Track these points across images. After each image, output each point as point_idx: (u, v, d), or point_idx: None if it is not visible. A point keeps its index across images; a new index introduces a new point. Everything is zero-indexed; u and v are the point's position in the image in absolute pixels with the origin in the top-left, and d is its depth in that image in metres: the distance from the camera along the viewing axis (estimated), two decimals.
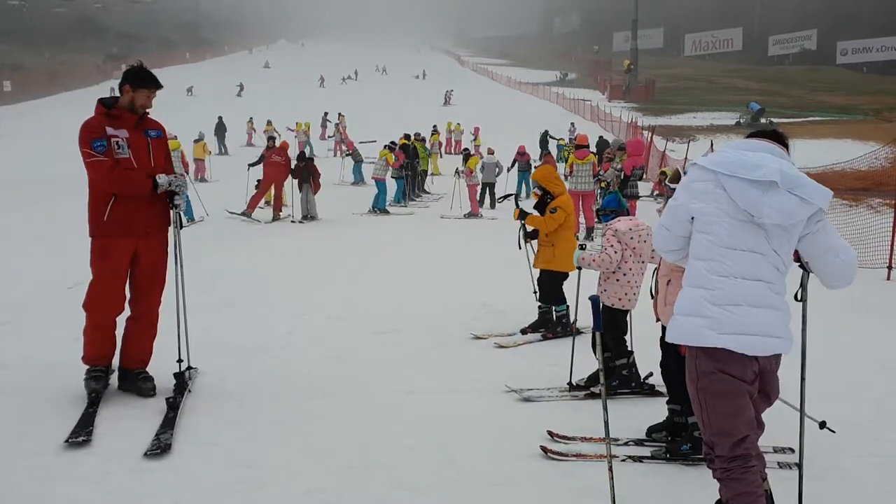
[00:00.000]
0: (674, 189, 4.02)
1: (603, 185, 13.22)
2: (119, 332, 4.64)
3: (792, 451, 3.91)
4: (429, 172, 21.58)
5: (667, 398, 4.31)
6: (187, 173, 18.27)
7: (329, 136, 32.67)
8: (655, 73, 55.07)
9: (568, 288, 6.36)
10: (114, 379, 4.70)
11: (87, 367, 4.57)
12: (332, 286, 8.40)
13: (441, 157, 27.57)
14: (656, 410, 4.48)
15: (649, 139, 22.94)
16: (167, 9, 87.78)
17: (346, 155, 22.83)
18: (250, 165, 16.91)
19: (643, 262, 5.05)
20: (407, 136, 20.25)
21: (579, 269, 5.15)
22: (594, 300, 3.23)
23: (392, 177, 17.49)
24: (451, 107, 45.79)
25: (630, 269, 4.99)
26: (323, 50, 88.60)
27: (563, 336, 6.29)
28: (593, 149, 16.77)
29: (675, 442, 4.06)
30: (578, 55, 79.58)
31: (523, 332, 6.53)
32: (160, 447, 3.86)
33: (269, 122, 30.28)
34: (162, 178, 4.41)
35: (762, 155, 2.79)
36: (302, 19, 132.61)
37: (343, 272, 9.32)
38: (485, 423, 4.45)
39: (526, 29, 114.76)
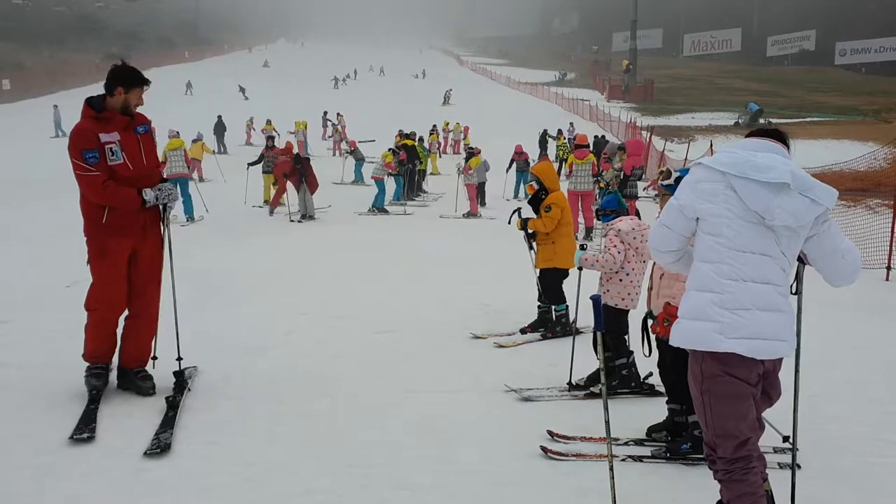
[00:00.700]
0: (666, 187, 4.02)
1: (602, 185, 13.22)
2: (118, 331, 4.64)
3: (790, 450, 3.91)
4: (427, 172, 21.59)
5: (666, 398, 4.31)
6: (188, 168, 18.41)
7: (329, 137, 32.64)
8: (654, 73, 55.08)
9: (568, 287, 6.36)
10: (113, 377, 4.70)
11: (87, 364, 4.56)
12: (332, 285, 8.39)
13: (440, 157, 27.58)
14: (656, 410, 4.48)
15: (648, 139, 22.95)
16: (166, 8, 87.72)
17: (348, 154, 22.82)
18: (250, 164, 16.97)
19: (644, 262, 5.05)
20: (407, 136, 20.26)
21: (580, 269, 5.15)
22: (595, 300, 3.22)
23: (390, 174, 17.49)
24: (451, 106, 45.77)
25: (633, 269, 5.00)
26: (323, 49, 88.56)
27: (562, 336, 6.29)
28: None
29: (675, 441, 4.06)
30: (577, 55, 79.68)
31: (523, 331, 6.53)
32: (160, 446, 3.85)
33: (268, 122, 30.26)
34: (148, 194, 4.36)
35: (770, 156, 2.75)
36: (301, 19, 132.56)
37: (343, 271, 9.31)
38: (485, 423, 4.45)
39: (525, 29, 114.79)
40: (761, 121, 33.70)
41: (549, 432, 4.22)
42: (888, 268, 9.64)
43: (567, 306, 6.48)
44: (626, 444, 4.15)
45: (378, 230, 13.51)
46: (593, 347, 4.80)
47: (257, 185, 16.99)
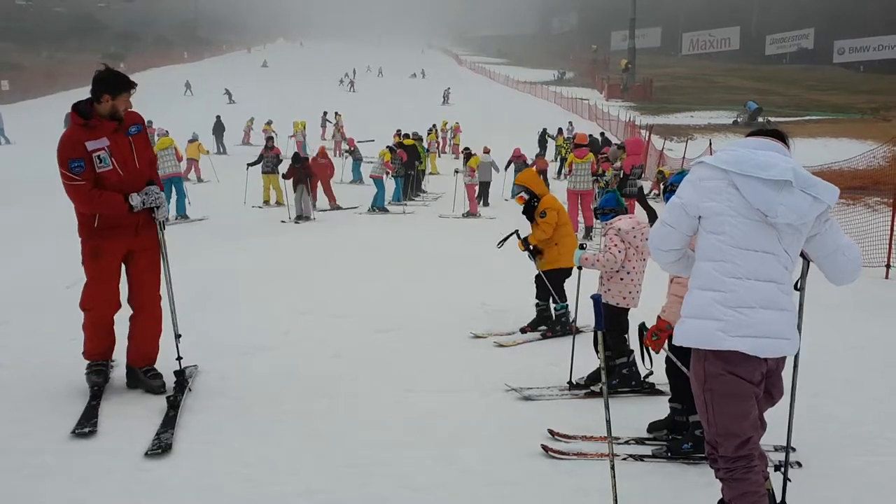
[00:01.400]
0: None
1: (602, 184, 13.22)
2: (122, 331, 4.64)
3: (793, 449, 3.91)
4: (427, 172, 21.60)
5: (669, 396, 4.31)
6: (180, 167, 18.51)
7: (331, 138, 32.59)
8: (653, 72, 55.06)
9: (568, 287, 6.36)
10: (119, 374, 4.69)
11: (87, 361, 4.57)
12: (331, 285, 8.39)
13: (439, 156, 27.58)
14: (657, 409, 4.48)
15: (647, 138, 22.95)
16: (165, 8, 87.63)
17: (348, 153, 22.83)
18: (249, 165, 16.99)
19: (644, 260, 5.05)
20: (407, 136, 20.27)
21: (579, 268, 5.15)
22: (596, 299, 3.22)
23: (392, 176, 17.52)
24: (450, 106, 45.76)
25: (633, 268, 4.99)
26: (322, 49, 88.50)
27: (562, 335, 6.30)
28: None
29: (676, 440, 4.05)
30: (576, 54, 79.55)
31: (522, 331, 6.54)
32: (161, 446, 3.85)
33: (268, 123, 30.25)
34: (135, 199, 4.35)
35: (772, 154, 2.75)
36: (300, 19, 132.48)
37: (342, 271, 9.31)
38: (485, 422, 4.45)
39: (524, 28, 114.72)
40: (760, 119, 33.73)
41: (550, 431, 4.22)
42: (888, 266, 9.64)
43: (567, 305, 6.48)
44: (626, 443, 4.15)
45: (378, 230, 13.50)
46: (594, 346, 4.80)
47: (257, 186, 16.99)
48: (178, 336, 4.64)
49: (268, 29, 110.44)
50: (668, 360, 4.13)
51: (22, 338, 5.87)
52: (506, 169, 19.24)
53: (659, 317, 3.78)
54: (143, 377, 4.62)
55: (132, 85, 4.39)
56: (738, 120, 34.82)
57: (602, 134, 26.17)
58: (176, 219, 13.31)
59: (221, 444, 3.99)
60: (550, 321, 6.53)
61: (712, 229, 2.75)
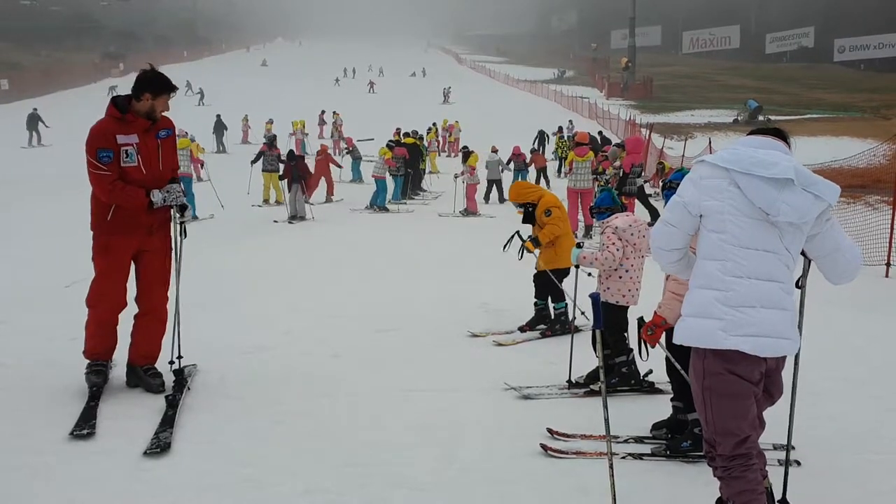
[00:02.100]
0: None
1: (601, 182, 13.23)
2: (126, 329, 4.64)
3: (793, 448, 3.91)
4: (427, 171, 21.59)
5: (668, 395, 4.31)
6: (202, 168, 18.66)
7: (331, 137, 32.57)
8: (653, 70, 55.05)
9: (567, 286, 6.35)
10: (118, 375, 4.70)
11: (87, 361, 4.56)
12: (331, 284, 8.39)
13: (439, 154, 27.57)
14: (656, 408, 4.48)
15: (647, 137, 22.95)
16: (164, 7, 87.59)
17: (346, 152, 22.83)
18: (253, 162, 17.10)
19: (643, 258, 5.05)
20: (407, 135, 20.27)
21: (576, 267, 5.14)
22: (594, 297, 3.22)
23: (391, 174, 17.53)
24: (451, 104, 45.75)
25: (632, 266, 4.99)
26: (321, 48, 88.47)
27: (561, 334, 6.29)
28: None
29: (675, 439, 4.05)
30: (576, 53, 79.53)
31: (521, 330, 6.53)
32: (160, 446, 3.85)
33: (269, 121, 30.24)
34: (156, 196, 4.36)
35: (773, 152, 2.74)
36: (299, 18, 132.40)
37: (342, 270, 9.31)
38: (484, 422, 4.44)
39: (523, 27, 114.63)
40: (760, 118, 33.71)
41: (549, 430, 4.22)
42: (888, 264, 9.63)
43: (566, 304, 6.47)
44: (626, 441, 4.15)
45: (377, 229, 13.50)
46: (592, 345, 4.79)
47: (257, 186, 17.01)
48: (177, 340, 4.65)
49: (267, 28, 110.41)
50: (668, 358, 4.12)
51: (21, 337, 5.86)
52: (507, 163, 19.27)
53: (655, 312, 3.78)
54: (142, 375, 4.63)
55: (173, 88, 4.43)
56: (739, 118, 34.82)
57: (601, 133, 26.15)
58: (192, 218, 13.36)
59: (221, 443, 3.99)
60: (549, 320, 6.53)
61: (714, 228, 2.74)
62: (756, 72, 60.04)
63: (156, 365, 4.70)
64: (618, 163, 13.76)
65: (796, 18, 69.06)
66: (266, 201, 16.93)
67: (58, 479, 3.54)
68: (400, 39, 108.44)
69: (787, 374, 3.00)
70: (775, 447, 3.96)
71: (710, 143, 18.94)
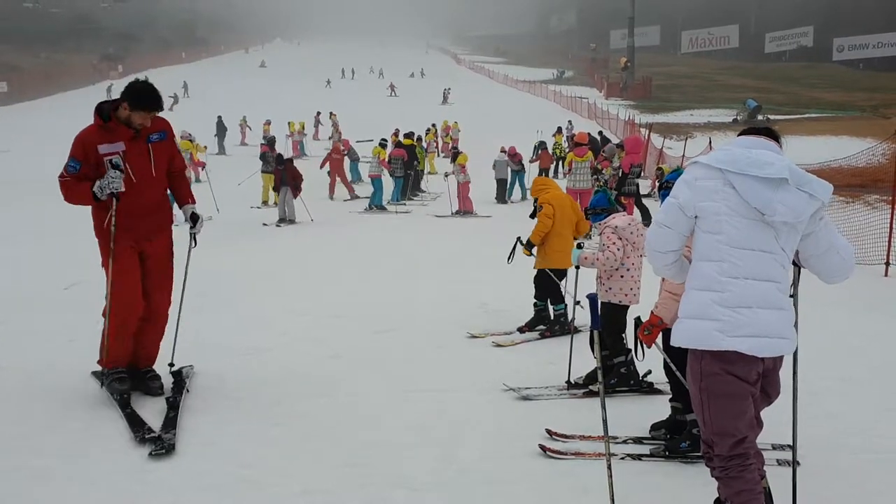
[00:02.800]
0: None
1: (601, 182, 13.23)
2: None
3: (791, 447, 3.92)
4: (425, 171, 21.59)
5: (667, 395, 4.31)
6: (202, 169, 18.73)
7: (330, 138, 32.53)
8: (652, 70, 55.03)
9: (567, 286, 6.36)
10: None
11: (105, 370, 4.53)
12: (329, 285, 8.39)
13: (438, 155, 27.57)
14: (655, 408, 4.48)
15: (646, 137, 22.94)
16: (163, 9, 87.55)
17: (345, 153, 22.80)
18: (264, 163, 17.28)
19: (642, 256, 5.05)
20: (406, 136, 20.27)
21: (577, 268, 5.13)
22: (592, 298, 3.22)
23: (392, 176, 17.55)
24: (450, 105, 45.76)
25: (632, 265, 5.00)
26: (320, 49, 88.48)
27: (560, 335, 6.30)
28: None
29: (673, 440, 4.06)
30: (575, 53, 79.54)
31: (521, 330, 6.54)
32: (164, 447, 3.85)
33: (267, 122, 30.24)
34: (95, 186, 4.24)
35: (766, 152, 2.75)
36: (298, 19, 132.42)
37: (340, 271, 9.31)
38: (483, 422, 4.45)
39: (522, 27, 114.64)
40: (760, 117, 33.70)
41: (548, 431, 4.22)
42: (887, 263, 9.63)
43: (566, 305, 6.47)
44: (624, 442, 4.15)
45: (375, 229, 13.50)
46: (590, 346, 4.79)
47: (253, 186, 17.02)
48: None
49: (265, 29, 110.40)
50: (665, 359, 4.13)
51: (20, 339, 5.87)
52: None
53: (652, 312, 3.78)
54: (143, 378, 4.63)
55: (155, 108, 4.33)
56: (738, 118, 34.80)
57: (600, 133, 26.14)
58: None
59: (220, 444, 4.00)
60: (548, 321, 6.53)
61: (709, 229, 2.75)
62: (755, 71, 60.03)
63: (154, 367, 4.70)
64: (617, 163, 13.76)
65: (795, 18, 69.06)
66: (265, 203, 16.93)
67: (58, 481, 3.54)
68: (399, 40, 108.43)
69: (786, 375, 3.00)
70: (774, 447, 3.96)
71: (710, 142, 18.93)
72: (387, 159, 17.78)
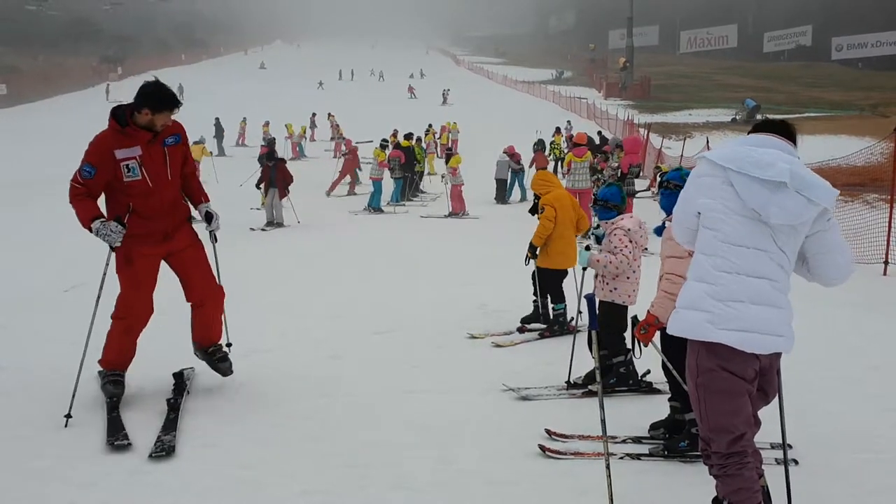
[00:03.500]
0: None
1: (600, 183, 13.23)
2: (147, 337, 4.61)
3: (790, 447, 3.92)
4: (425, 172, 21.60)
5: (665, 395, 4.32)
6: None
7: (332, 139, 32.49)
8: (651, 70, 55.05)
9: (567, 286, 6.36)
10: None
11: (103, 370, 4.52)
12: (329, 286, 8.40)
13: (438, 156, 27.56)
14: (654, 408, 4.49)
15: (645, 137, 22.95)
16: (162, 10, 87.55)
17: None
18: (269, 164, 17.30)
19: (641, 257, 5.08)
20: (406, 136, 20.27)
21: (584, 269, 5.09)
22: (590, 298, 3.23)
23: (392, 178, 17.56)
24: (449, 106, 45.76)
25: (639, 267, 5.01)
26: (319, 51, 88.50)
27: (559, 334, 6.30)
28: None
29: (672, 439, 4.07)
30: (574, 53, 79.57)
31: (520, 329, 6.54)
32: (164, 448, 3.86)
33: (266, 123, 30.26)
34: (95, 225, 4.19)
35: (772, 152, 2.76)
36: (297, 20, 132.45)
37: (340, 272, 9.32)
38: (483, 423, 4.46)
39: (521, 27, 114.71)
40: (758, 117, 33.66)
41: (548, 431, 4.23)
42: (885, 262, 9.63)
43: (565, 305, 6.48)
44: (623, 441, 4.16)
45: (375, 230, 13.51)
46: (588, 346, 4.80)
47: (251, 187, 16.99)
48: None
49: (265, 31, 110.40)
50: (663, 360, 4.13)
51: (21, 340, 5.88)
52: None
53: (648, 311, 3.79)
54: (209, 358, 4.73)
55: (176, 104, 4.33)
56: (737, 118, 34.84)
57: (600, 133, 26.15)
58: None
59: (220, 445, 4.01)
60: (549, 321, 6.53)
61: (708, 225, 2.80)
62: (754, 71, 60.04)
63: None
64: (615, 163, 13.75)
65: (794, 17, 69.10)
66: (265, 204, 16.90)
67: (59, 483, 3.55)
68: (399, 42, 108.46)
69: (786, 375, 3.01)
70: (773, 446, 3.97)
71: (707, 142, 18.95)
72: (386, 161, 17.79)
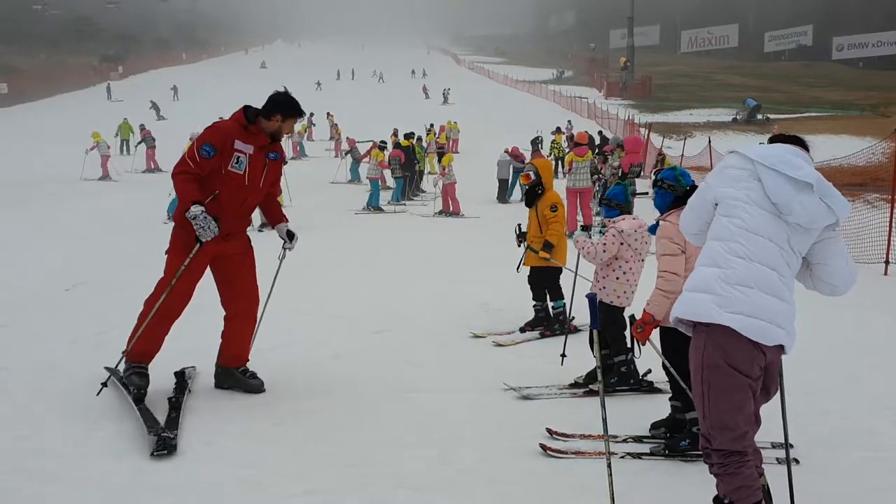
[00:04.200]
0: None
1: (600, 183, 13.24)
2: (172, 335, 4.62)
3: (791, 446, 3.92)
4: (425, 172, 21.60)
5: (667, 394, 4.32)
6: None
7: (331, 138, 32.50)
8: (652, 70, 55.07)
9: (564, 285, 6.36)
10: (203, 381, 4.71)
11: (129, 362, 4.52)
12: (329, 285, 8.40)
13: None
14: (655, 407, 4.49)
15: (646, 136, 22.96)
16: (163, 10, 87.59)
17: (346, 153, 22.86)
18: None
19: (642, 261, 5.05)
20: (406, 136, 20.27)
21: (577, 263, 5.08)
22: (591, 297, 3.23)
23: (393, 177, 17.55)
24: (450, 105, 45.77)
25: (630, 269, 4.99)
26: (320, 50, 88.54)
27: (560, 333, 6.30)
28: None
29: (673, 438, 4.07)
30: (575, 53, 79.62)
31: (522, 330, 6.54)
32: (166, 447, 3.86)
33: None
34: (193, 209, 4.22)
35: (799, 160, 2.83)
36: (297, 20, 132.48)
37: (340, 271, 9.32)
38: (484, 422, 4.46)
39: (522, 27, 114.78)
40: (759, 116, 33.76)
41: (549, 430, 4.23)
42: (886, 262, 9.63)
43: (565, 303, 6.48)
44: (624, 441, 4.16)
45: (375, 230, 13.51)
46: (590, 345, 4.80)
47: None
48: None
49: (266, 30, 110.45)
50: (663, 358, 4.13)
51: (23, 340, 5.88)
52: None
53: (644, 309, 3.79)
54: (240, 377, 4.75)
55: (302, 113, 4.57)
56: (737, 117, 34.85)
57: (600, 132, 26.17)
58: (169, 219, 13.35)
59: (222, 444, 4.01)
60: (549, 320, 6.53)
61: (725, 213, 2.85)
62: (755, 70, 60.05)
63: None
64: (616, 163, 13.77)
65: (795, 17, 69.12)
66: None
67: (59, 481, 3.55)
68: (400, 41, 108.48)
69: (788, 374, 3.01)
70: (773, 446, 3.97)
71: (709, 141, 18.93)
72: (386, 161, 17.79)
